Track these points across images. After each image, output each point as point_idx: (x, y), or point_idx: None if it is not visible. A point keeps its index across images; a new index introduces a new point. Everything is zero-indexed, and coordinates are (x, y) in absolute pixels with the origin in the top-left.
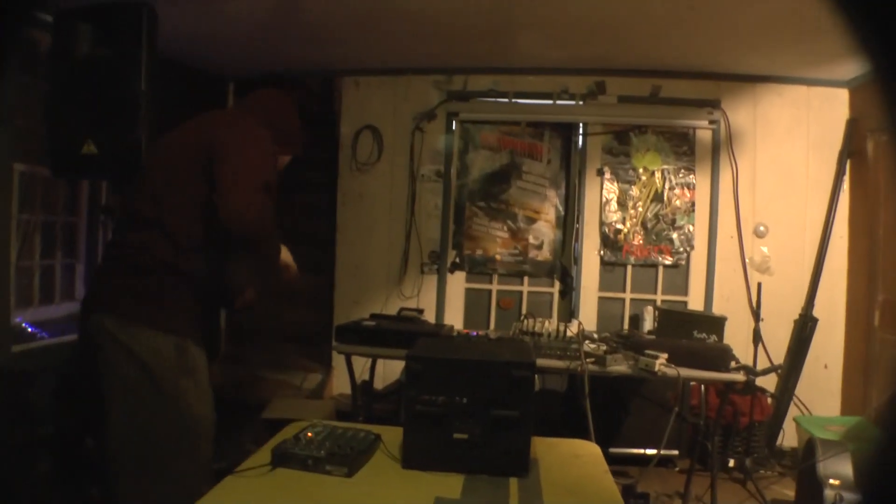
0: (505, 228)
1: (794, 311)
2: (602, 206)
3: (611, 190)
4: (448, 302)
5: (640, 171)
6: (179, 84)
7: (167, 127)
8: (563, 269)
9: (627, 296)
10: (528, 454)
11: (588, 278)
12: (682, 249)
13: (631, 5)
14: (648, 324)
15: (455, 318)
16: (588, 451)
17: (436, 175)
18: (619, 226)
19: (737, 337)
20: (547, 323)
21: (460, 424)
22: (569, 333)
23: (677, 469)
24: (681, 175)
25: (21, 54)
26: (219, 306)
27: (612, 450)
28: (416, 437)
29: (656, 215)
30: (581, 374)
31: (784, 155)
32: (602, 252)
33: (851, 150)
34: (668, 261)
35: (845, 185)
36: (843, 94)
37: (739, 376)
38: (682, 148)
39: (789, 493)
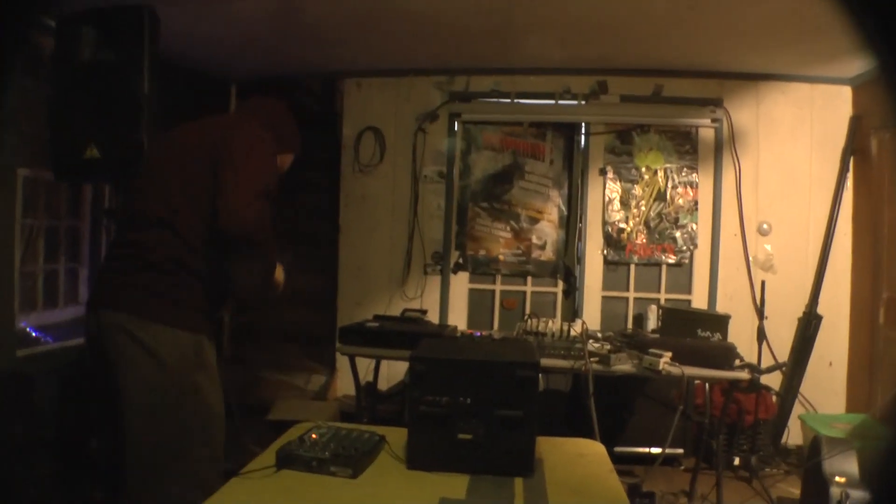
0: (508, 229)
1: (798, 309)
2: (605, 206)
3: (613, 189)
4: (451, 302)
5: (643, 170)
6: (182, 87)
7: (170, 130)
8: (567, 268)
9: (631, 295)
10: (532, 454)
11: (591, 278)
12: (685, 248)
13: (632, 5)
14: (652, 323)
15: (458, 318)
16: (593, 451)
17: (438, 176)
18: (623, 225)
19: (741, 335)
20: (550, 323)
21: (465, 425)
22: (572, 333)
23: (682, 468)
24: (684, 174)
25: (24, 58)
26: (226, 303)
27: (617, 449)
28: (421, 437)
29: (659, 214)
30: (585, 373)
31: (787, 153)
32: (605, 251)
33: (855, 147)
34: (672, 259)
35: (849, 183)
36: (846, 92)
37: (744, 374)
38: (684, 147)
39: (795, 491)
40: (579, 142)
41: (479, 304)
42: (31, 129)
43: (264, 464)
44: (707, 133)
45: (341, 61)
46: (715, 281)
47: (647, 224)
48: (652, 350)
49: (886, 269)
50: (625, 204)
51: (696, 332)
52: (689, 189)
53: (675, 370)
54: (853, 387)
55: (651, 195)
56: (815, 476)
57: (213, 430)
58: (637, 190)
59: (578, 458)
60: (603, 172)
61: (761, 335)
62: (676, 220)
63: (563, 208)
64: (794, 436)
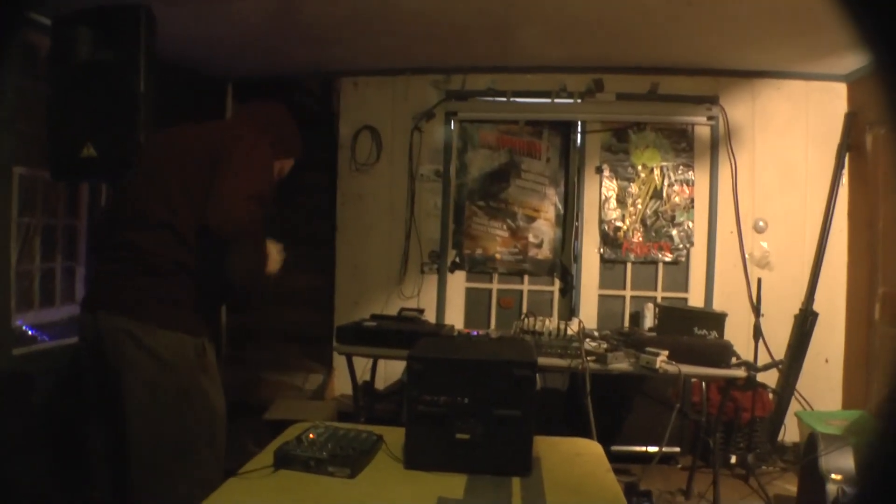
0: (504, 227)
1: (795, 306)
2: (601, 204)
3: (610, 187)
4: (448, 301)
5: (640, 168)
6: (178, 86)
7: (166, 129)
8: (563, 267)
9: (628, 293)
10: (530, 453)
11: (588, 276)
12: (681, 246)
13: (628, 3)
14: (649, 321)
15: (455, 317)
16: (590, 450)
17: (435, 175)
18: (619, 223)
19: (737, 333)
20: (548, 321)
21: (462, 424)
22: (569, 332)
23: (679, 466)
24: (680, 172)
25: (18, 57)
26: (225, 304)
27: (614, 448)
28: (419, 437)
29: (656, 212)
30: (582, 372)
31: (783, 150)
32: (602, 250)
33: (850, 143)
34: (668, 258)
35: (844, 179)
36: (841, 88)
37: (740, 372)
38: (680, 144)
39: (792, 488)
40: (576, 140)
41: (475, 303)
42: (29, 128)
43: (262, 464)
44: (703, 130)
45: (338, 60)
46: (711, 279)
47: (643, 222)
48: (649, 348)
49: (882, 266)
50: (621, 202)
51: (693, 330)
52: (685, 187)
53: (672, 368)
54: (849, 384)
55: (647, 193)
56: (811, 473)
57: (216, 430)
58: (633, 188)
59: (576, 458)
60: (599, 170)
61: (758, 333)
62: (673, 217)
63: (560, 206)
64: (790, 433)
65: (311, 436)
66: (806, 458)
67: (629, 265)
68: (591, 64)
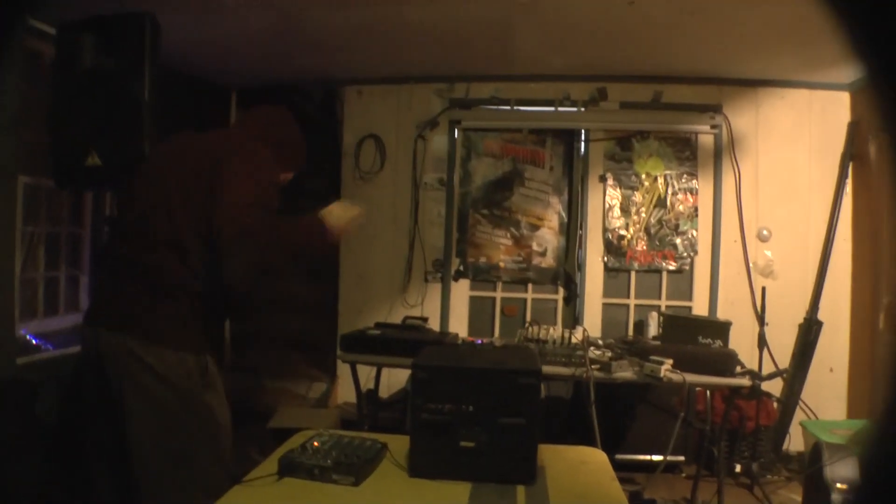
0: (508, 236)
1: (799, 315)
2: (605, 213)
3: (614, 196)
4: (452, 310)
5: (643, 176)
6: (182, 94)
7: (169, 137)
8: (567, 275)
9: (632, 302)
10: (535, 461)
11: (592, 285)
12: (685, 254)
13: (631, 11)
14: (653, 329)
15: (459, 326)
16: (594, 458)
17: (439, 183)
18: (623, 232)
19: (742, 341)
20: (551, 330)
21: (467, 432)
22: (573, 340)
23: (684, 475)
24: (683, 180)
25: (24, 65)
26: (229, 319)
27: (619, 456)
28: (423, 445)
29: (659, 221)
30: (586, 380)
31: (786, 159)
32: (606, 258)
33: (854, 152)
34: (672, 266)
35: (848, 189)
36: (844, 98)
37: (745, 381)
38: (684, 153)
39: (796, 497)
40: (579, 148)
41: (479, 312)
42: (33, 136)
43: (266, 472)
44: (706, 139)
45: (342, 69)
46: (715, 287)
47: (647, 231)
48: (653, 357)
49: (886, 275)
50: (625, 210)
51: (697, 338)
52: (688, 195)
53: (677, 377)
54: (854, 393)
55: (651, 202)
56: (816, 483)
57: (221, 445)
58: (637, 196)
59: (580, 466)
60: (603, 179)
61: (762, 341)
62: (677, 226)
63: (564, 215)
64: (795, 442)
65: (315, 444)
66: (811, 467)
67: (633, 274)
68: (595, 72)
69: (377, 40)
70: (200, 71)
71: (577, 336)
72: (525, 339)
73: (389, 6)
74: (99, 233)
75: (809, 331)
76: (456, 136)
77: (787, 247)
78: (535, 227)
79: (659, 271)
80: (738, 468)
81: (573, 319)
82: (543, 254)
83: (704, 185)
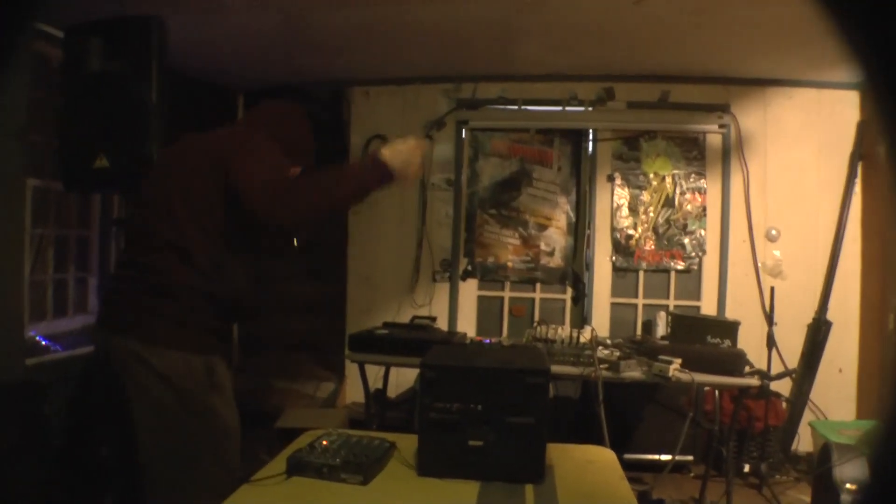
0: (516, 235)
1: (808, 315)
2: (613, 212)
3: (622, 196)
4: (460, 310)
5: (651, 176)
6: (189, 97)
7: (178, 139)
8: (575, 275)
9: (640, 301)
10: (543, 461)
11: (600, 284)
12: (693, 254)
13: (638, 11)
14: (661, 329)
15: (467, 325)
16: (603, 458)
17: (446, 183)
18: (631, 231)
19: (750, 341)
20: (560, 329)
21: (475, 431)
22: (582, 340)
23: (692, 475)
24: (691, 180)
25: (32, 69)
26: (237, 321)
27: (627, 456)
28: (432, 444)
29: (668, 220)
30: (595, 380)
31: (795, 158)
32: (614, 258)
33: (863, 152)
34: (680, 266)
35: (857, 188)
36: (853, 97)
37: (754, 381)
38: (692, 153)
39: (805, 498)
40: (587, 148)
41: (487, 311)
42: (41, 139)
43: (275, 471)
44: (714, 139)
45: (348, 70)
46: (724, 287)
47: (655, 230)
48: (661, 357)
49: None
50: (633, 210)
51: (706, 338)
52: (697, 195)
53: (685, 377)
54: (863, 393)
55: (659, 201)
56: (825, 483)
57: (228, 448)
58: (645, 196)
59: (589, 465)
60: (611, 179)
61: (771, 341)
62: (685, 226)
63: (572, 215)
64: (804, 443)
65: (324, 443)
66: (820, 468)
67: (641, 273)
68: (602, 72)
69: (384, 41)
70: (208, 73)
71: (586, 336)
72: (533, 339)
73: (396, 6)
74: (107, 235)
75: (818, 331)
76: (463, 136)
77: (795, 247)
78: (543, 227)
79: (667, 271)
80: (746, 468)
81: (581, 319)
82: (551, 253)
83: (712, 185)
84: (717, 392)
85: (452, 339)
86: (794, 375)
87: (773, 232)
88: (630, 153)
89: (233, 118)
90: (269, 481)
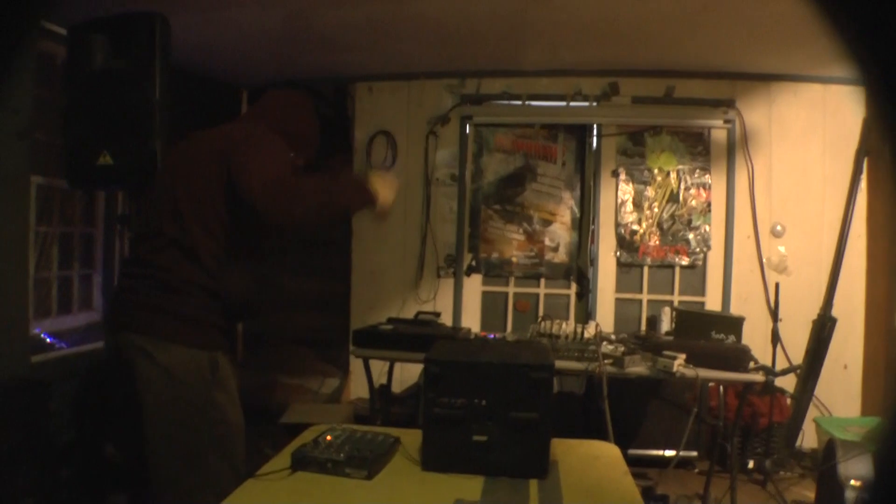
0: (520, 231)
1: (813, 312)
2: (617, 208)
3: (626, 191)
4: (465, 305)
5: (656, 171)
6: (193, 94)
7: (182, 136)
8: (580, 270)
9: (644, 297)
10: (547, 456)
11: (604, 280)
12: (698, 250)
13: (643, 6)
14: (666, 325)
15: (472, 321)
16: (607, 453)
17: (450, 179)
18: (635, 227)
19: (755, 337)
20: (564, 325)
21: (479, 426)
22: (586, 335)
23: (696, 471)
24: (696, 175)
25: (36, 67)
26: (240, 320)
27: (631, 452)
28: (436, 439)
29: (672, 216)
30: (599, 375)
31: (800, 154)
32: (618, 253)
33: (868, 148)
34: (685, 261)
35: (863, 184)
36: (859, 93)
37: (758, 377)
38: (697, 148)
39: (809, 494)
40: (591, 143)
41: (492, 307)
42: (45, 137)
43: (279, 466)
44: (719, 134)
45: (352, 66)
46: (729, 283)
47: (659, 226)
48: (666, 352)
49: None
50: (637, 206)
51: (710, 334)
52: (701, 190)
53: (689, 372)
54: (868, 390)
55: (664, 197)
56: (829, 480)
57: (232, 442)
58: (649, 191)
59: (593, 461)
60: (615, 174)
61: (775, 337)
62: (689, 221)
63: (576, 210)
64: (808, 439)
65: (328, 438)
66: (824, 464)
67: (646, 269)
68: (607, 67)
69: (387, 36)
70: (211, 70)
71: (590, 331)
72: (537, 334)
73: (399, 2)
74: (111, 232)
75: (823, 327)
76: (467, 131)
77: (800, 243)
78: (548, 223)
79: (672, 266)
80: (751, 464)
81: (586, 314)
82: (556, 249)
83: (717, 181)
84: (721, 388)
85: (457, 335)
86: (798, 372)
87: (779, 228)
88: (635, 148)
89: (236, 115)
90: (273, 476)
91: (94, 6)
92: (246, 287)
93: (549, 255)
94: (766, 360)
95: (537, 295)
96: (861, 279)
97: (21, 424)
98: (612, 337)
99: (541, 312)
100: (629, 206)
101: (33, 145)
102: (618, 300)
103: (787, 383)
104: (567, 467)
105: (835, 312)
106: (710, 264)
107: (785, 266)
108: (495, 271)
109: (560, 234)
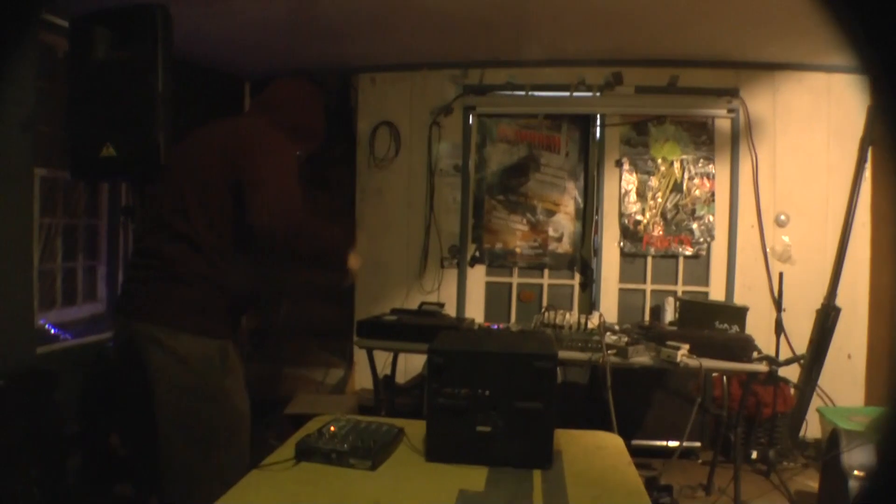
0: (524, 221)
1: (817, 301)
2: (621, 198)
3: (630, 181)
4: (468, 295)
5: (659, 161)
6: (196, 85)
7: (185, 128)
8: (583, 261)
9: (648, 287)
10: (551, 446)
11: (608, 270)
12: (702, 240)
13: None
14: (669, 315)
15: (476, 311)
16: (611, 443)
17: (454, 169)
18: (639, 217)
19: (759, 327)
20: (568, 315)
21: (483, 417)
22: (590, 325)
23: (700, 461)
24: (700, 165)
25: (38, 59)
26: (247, 311)
27: (635, 442)
28: (440, 429)
29: (676, 206)
30: (603, 365)
31: (804, 143)
32: (622, 243)
33: (873, 137)
34: (689, 251)
35: (867, 173)
36: (863, 80)
37: (762, 367)
38: (700, 137)
39: (813, 484)
40: (595, 133)
41: (496, 297)
42: (48, 129)
43: (284, 456)
44: (723, 123)
45: (355, 57)
46: (732, 273)
47: (663, 216)
48: (669, 342)
49: None
50: (641, 196)
51: (714, 324)
52: (705, 180)
53: (693, 362)
54: (872, 380)
55: (667, 186)
56: (833, 469)
57: (240, 431)
58: (653, 181)
59: (597, 451)
60: (619, 164)
61: (779, 327)
62: (693, 211)
63: (580, 200)
64: (812, 429)
65: (332, 428)
66: (828, 454)
67: (649, 259)
68: (610, 57)
69: (390, 27)
70: (214, 61)
71: (594, 321)
72: (541, 325)
73: None
74: (115, 223)
75: (827, 317)
76: (471, 122)
77: (804, 232)
78: (552, 213)
79: (675, 256)
80: (754, 454)
81: (589, 305)
82: (560, 239)
83: (721, 170)
84: (725, 378)
85: (461, 325)
86: (802, 361)
87: (782, 217)
88: (638, 138)
89: (240, 106)
90: (277, 466)
91: None
92: (250, 280)
93: (552, 246)
94: (769, 350)
95: (541, 285)
96: (865, 268)
97: (26, 415)
98: (616, 327)
99: (544, 303)
100: (633, 196)
101: (36, 137)
102: (621, 290)
103: (791, 373)
104: (571, 457)
105: (839, 302)
106: (714, 254)
107: (789, 255)
108: (499, 262)
109: (564, 224)
